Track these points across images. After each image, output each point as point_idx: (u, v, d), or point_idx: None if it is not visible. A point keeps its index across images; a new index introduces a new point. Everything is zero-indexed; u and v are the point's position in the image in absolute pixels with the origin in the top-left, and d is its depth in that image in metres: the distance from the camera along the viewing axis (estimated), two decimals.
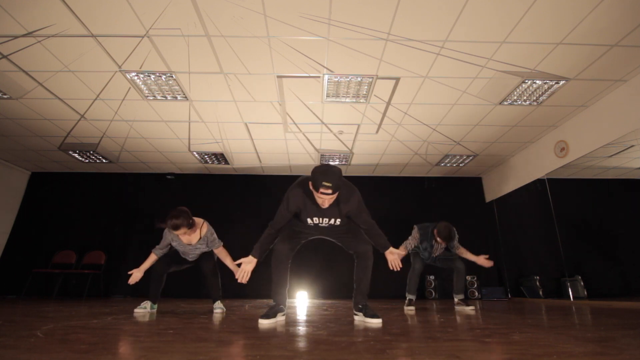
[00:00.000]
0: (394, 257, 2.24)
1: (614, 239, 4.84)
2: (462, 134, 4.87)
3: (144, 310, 2.85)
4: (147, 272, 2.98)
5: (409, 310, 3.23)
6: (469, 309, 3.26)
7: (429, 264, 3.69)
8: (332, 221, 2.14)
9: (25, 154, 5.55)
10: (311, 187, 1.94)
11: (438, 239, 3.36)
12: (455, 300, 3.58)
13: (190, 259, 3.11)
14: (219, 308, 3.01)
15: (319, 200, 1.96)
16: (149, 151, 5.51)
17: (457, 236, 3.49)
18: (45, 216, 6.05)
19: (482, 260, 3.38)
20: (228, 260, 3.04)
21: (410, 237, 3.55)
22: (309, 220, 2.15)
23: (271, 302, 2.32)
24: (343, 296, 5.55)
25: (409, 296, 3.62)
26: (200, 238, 2.93)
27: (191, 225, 2.80)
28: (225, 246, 3.18)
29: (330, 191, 1.87)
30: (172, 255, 3.07)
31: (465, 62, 3.29)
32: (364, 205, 2.16)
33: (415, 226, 3.59)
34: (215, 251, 3.07)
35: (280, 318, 2.23)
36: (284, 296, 2.28)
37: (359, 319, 2.22)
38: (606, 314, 2.76)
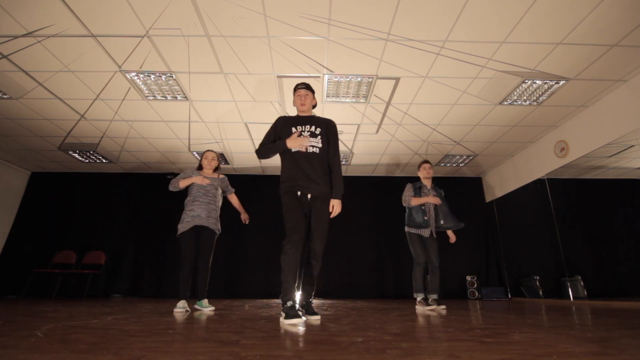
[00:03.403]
0: (335, 211, 2.28)
1: (614, 239, 4.84)
2: (462, 134, 4.87)
3: (182, 310, 2.85)
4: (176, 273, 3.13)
5: (430, 309, 3.18)
6: (441, 308, 3.22)
7: (424, 237, 3.58)
8: (313, 128, 2.36)
9: (25, 154, 5.55)
10: (293, 99, 2.43)
11: (422, 169, 3.75)
12: (429, 299, 3.43)
13: (201, 208, 3.14)
14: (208, 308, 3.06)
15: (299, 101, 2.37)
16: (149, 151, 5.51)
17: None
18: (45, 216, 6.05)
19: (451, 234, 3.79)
20: (241, 208, 3.54)
21: (404, 192, 3.74)
22: (293, 129, 2.36)
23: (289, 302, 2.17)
24: (343, 296, 5.56)
25: (419, 296, 3.49)
26: (218, 177, 3.37)
27: (217, 159, 3.42)
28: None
29: (303, 86, 2.39)
30: (189, 234, 3.09)
31: (465, 62, 3.29)
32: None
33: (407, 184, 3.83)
34: (230, 197, 3.51)
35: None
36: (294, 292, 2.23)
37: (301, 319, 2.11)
38: (606, 314, 2.76)
